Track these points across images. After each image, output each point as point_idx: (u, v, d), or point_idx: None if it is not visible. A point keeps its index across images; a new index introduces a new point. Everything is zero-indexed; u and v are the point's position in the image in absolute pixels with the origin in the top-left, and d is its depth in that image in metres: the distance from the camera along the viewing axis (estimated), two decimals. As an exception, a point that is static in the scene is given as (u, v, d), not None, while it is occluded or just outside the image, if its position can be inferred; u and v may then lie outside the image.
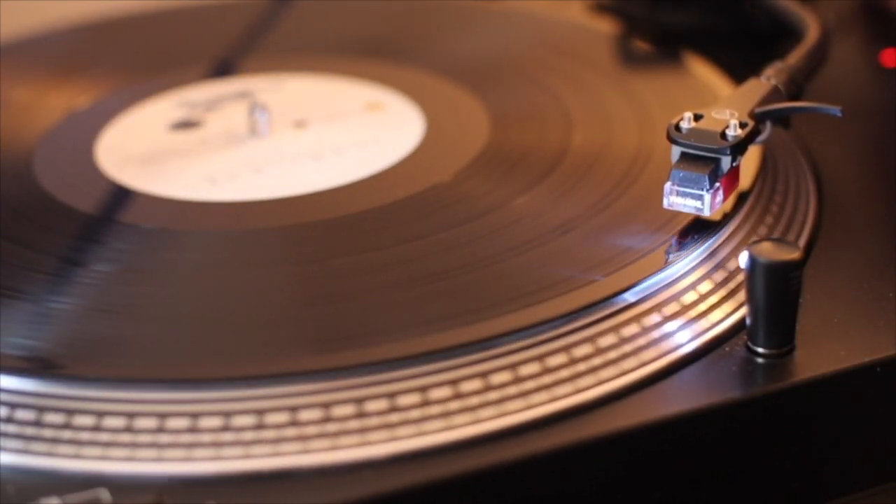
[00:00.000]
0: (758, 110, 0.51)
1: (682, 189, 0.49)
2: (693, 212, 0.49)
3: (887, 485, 0.47)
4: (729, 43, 0.67)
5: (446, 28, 0.71)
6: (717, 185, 0.49)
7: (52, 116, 0.63)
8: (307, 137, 0.60)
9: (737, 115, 0.50)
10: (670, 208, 0.49)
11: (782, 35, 0.64)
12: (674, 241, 0.49)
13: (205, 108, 0.63)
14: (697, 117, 0.50)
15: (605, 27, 0.69)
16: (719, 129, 0.49)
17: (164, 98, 0.64)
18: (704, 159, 0.49)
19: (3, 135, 0.62)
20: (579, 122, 0.59)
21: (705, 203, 0.48)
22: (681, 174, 0.49)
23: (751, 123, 0.50)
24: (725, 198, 0.50)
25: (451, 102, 0.61)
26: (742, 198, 0.51)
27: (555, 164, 0.55)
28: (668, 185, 0.49)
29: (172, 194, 0.56)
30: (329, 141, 0.59)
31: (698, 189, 0.48)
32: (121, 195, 0.56)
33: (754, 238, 0.50)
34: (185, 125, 0.59)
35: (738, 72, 0.61)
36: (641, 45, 0.67)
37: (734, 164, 0.50)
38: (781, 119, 0.53)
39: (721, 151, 0.49)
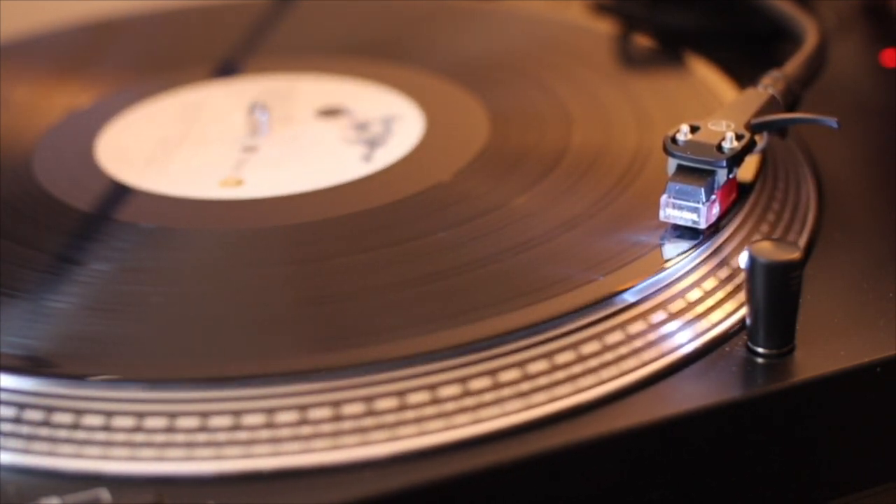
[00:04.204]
0: (754, 122, 0.51)
1: (678, 202, 0.49)
2: (689, 224, 0.49)
3: (887, 485, 0.47)
4: (729, 43, 0.67)
5: (446, 28, 0.71)
6: (714, 197, 0.49)
7: (53, 116, 0.63)
8: (307, 137, 0.60)
9: (733, 126, 0.50)
10: (666, 220, 0.49)
11: (782, 36, 0.64)
12: (674, 240, 0.49)
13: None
14: (694, 129, 0.50)
15: (605, 27, 0.69)
16: (716, 142, 0.49)
17: (164, 97, 0.64)
18: (701, 172, 0.49)
19: (3, 134, 0.62)
20: (579, 122, 0.59)
21: (701, 216, 0.49)
22: (677, 187, 0.49)
23: (747, 135, 0.50)
24: (722, 209, 0.50)
25: (451, 102, 0.61)
26: (742, 198, 0.51)
27: (554, 164, 0.55)
28: (664, 198, 0.49)
29: (172, 193, 0.56)
30: (329, 140, 0.59)
31: (694, 202, 0.49)
32: (120, 194, 0.56)
33: (754, 238, 0.50)
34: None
35: (738, 72, 0.61)
36: (641, 46, 0.67)
37: (731, 176, 0.50)
38: (778, 129, 0.53)
39: (717, 164, 0.49)
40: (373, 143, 0.58)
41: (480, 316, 0.46)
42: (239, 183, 0.56)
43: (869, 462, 0.47)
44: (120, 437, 0.43)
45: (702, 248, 0.49)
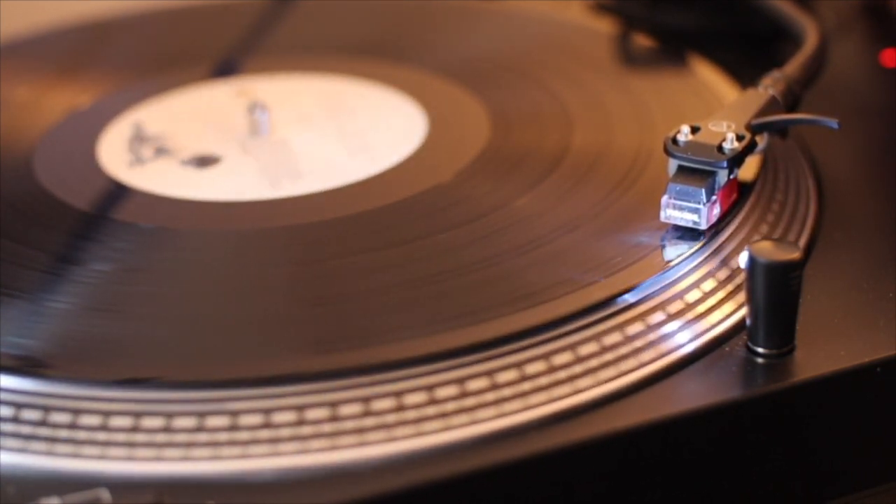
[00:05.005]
0: (755, 122, 0.51)
1: (678, 203, 0.49)
2: (690, 225, 0.49)
3: (887, 485, 0.47)
4: (729, 43, 0.67)
5: (446, 28, 0.71)
6: (714, 198, 0.49)
7: (53, 116, 0.63)
8: (307, 137, 0.60)
9: (734, 127, 0.50)
10: (667, 221, 0.49)
11: (782, 36, 0.64)
12: (674, 241, 0.49)
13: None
14: (694, 130, 0.50)
15: (605, 27, 0.69)
16: (716, 142, 0.49)
17: (164, 97, 0.64)
18: (701, 172, 0.49)
19: (3, 134, 0.62)
20: (579, 123, 0.59)
21: (702, 216, 0.49)
22: (677, 188, 0.49)
23: (748, 136, 0.50)
24: (723, 210, 0.50)
25: (451, 102, 0.61)
26: (742, 198, 0.51)
27: (555, 165, 0.55)
28: (664, 199, 0.49)
29: (172, 193, 0.56)
30: (329, 141, 0.59)
31: (695, 203, 0.49)
32: (120, 194, 0.56)
33: (754, 238, 0.50)
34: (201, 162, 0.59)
35: (738, 72, 0.62)
36: (641, 45, 0.67)
37: (731, 177, 0.50)
38: (779, 130, 0.53)
39: (718, 165, 0.49)
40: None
41: (481, 318, 0.46)
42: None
43: (869, 462, 0.47)
44: (120, 437, 0.43)
45: (702, 249, 0.49)
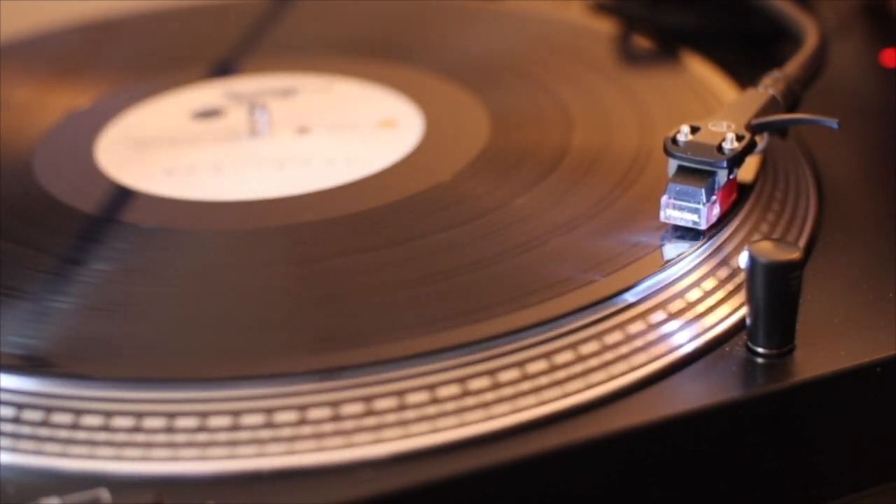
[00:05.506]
0: (755, 122, 0.51)
1: (678, 203, 0.49)
2: (690, 225, 0.49)
3: (887, 485, 0.47)
4: (729, 43, 0.67)
5: (446, 28, 0.71)
6: (714, 198, 0.49)
7: (53, 116, 0.63)
8: (307, 137, 0.60)
9: (734, 127, 0.50)
10: (667, 221, 0.49)
11: (782, 36, 0.64)
12: (674, 241, 0.49)
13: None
14: (694, 130, 0.50)
15: (605, 27, 0.69)
16: (716, 142, 0.49)
17: (164, 98, 0.64)
18: (701, 172, 0.49)
19: (3, 135, 0.62)
20: (579, 122, 0.59)
21: (702, 216, 0.49)
22: (677, 188, 0.49)
23: (748, 136, 0.50)
24: (722, 210, 0.50)
25: (451, 102, 0.61)
26: (742, 197, 0.51)
27: (555, 165, 0.55)
28: (664, 199, 0.49)
29: (172, 194, 0.56)
30: (329, 140, 0.59)
31: (695, 203, 0.49)
32: (120, 195, 0.56)
33: (754, 238, 0.50)
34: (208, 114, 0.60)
35: (738, 72, 0.62)
36: (641, 46, 0.67)
37: (731, 177, 0.50)
38: (779, 130, 0.53)
39: (718, 165, 0.49)
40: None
41: (481, 316, 0.46)
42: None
43: (869, 462, 0.47)
44: (120, 437, 0.43)
45: (702, 249, 0.49)
